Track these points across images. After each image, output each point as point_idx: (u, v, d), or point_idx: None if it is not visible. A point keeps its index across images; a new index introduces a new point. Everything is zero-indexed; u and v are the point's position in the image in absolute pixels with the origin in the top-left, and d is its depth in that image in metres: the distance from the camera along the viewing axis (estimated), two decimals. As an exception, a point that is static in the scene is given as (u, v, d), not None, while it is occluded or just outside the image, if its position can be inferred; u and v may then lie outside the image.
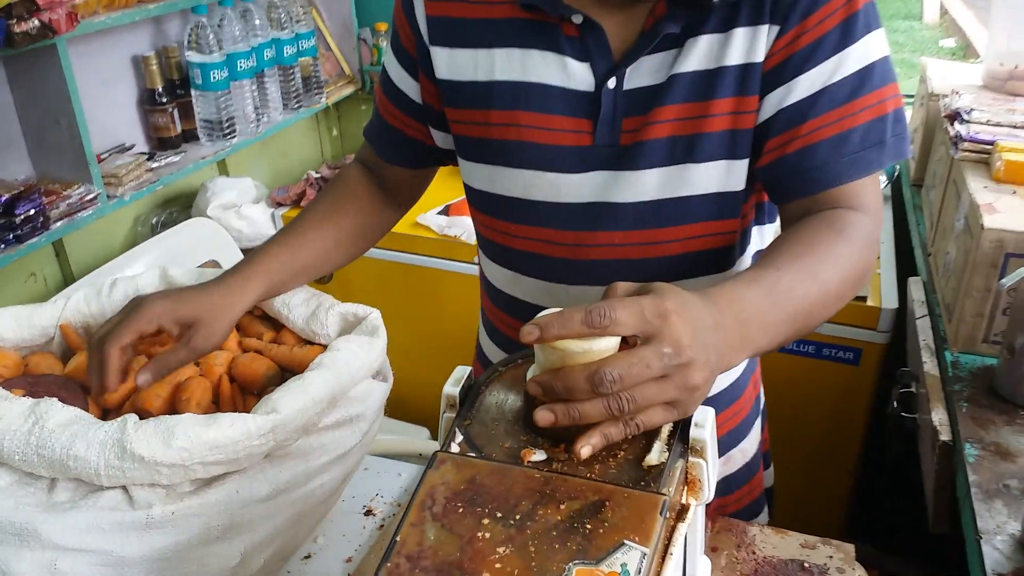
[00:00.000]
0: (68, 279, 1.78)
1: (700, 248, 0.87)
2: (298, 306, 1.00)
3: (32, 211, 1.46)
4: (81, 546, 0.68)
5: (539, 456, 0.55)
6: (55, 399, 0.74)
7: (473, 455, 0.55)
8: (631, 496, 0.51)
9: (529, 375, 0.57)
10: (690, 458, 0.56)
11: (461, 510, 0.50)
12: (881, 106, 0.77)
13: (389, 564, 0.46)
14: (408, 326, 2.03)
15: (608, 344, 0.55)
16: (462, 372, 0.62)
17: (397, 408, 2.00)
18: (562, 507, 0.50)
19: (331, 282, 2.07)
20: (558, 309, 0.55)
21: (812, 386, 1.64)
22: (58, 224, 1.53)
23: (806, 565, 0.91)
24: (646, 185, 0.83)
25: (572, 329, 0.53)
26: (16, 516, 0.68)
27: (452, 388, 0.60)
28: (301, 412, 0.79)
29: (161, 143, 1.92)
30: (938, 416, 1.13)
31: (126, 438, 0.70)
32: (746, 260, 0.92)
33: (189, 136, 1.97)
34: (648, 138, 0.81)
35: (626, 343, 0.57)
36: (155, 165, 1.81)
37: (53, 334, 1.00)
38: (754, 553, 0.93)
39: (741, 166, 0.82)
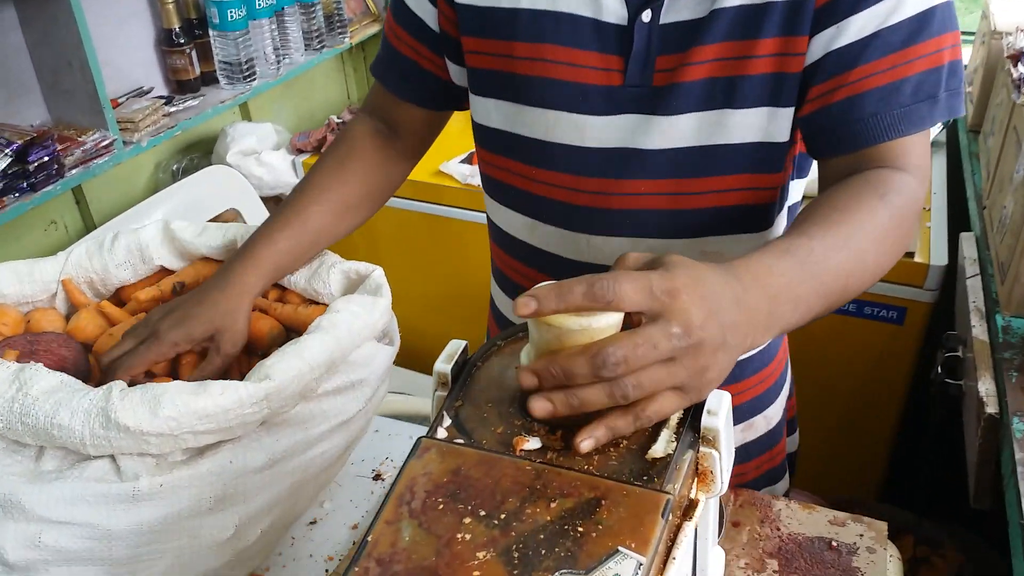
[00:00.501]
0: (89, 227, 1.76)
1: (735, 203, 0.81)
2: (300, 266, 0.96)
3: (45, 158, 1.43)
4: (66, 518, 0.66)
5: (533, 444, 0.50)
6: (40, 364, 0.71)
7: (461, 441, 0.50)
8: (630, 494, 0.45)
9: (523, 356, 0.52)
10: (701, 448, 0.50)
11: (442, 506, 0.45)
12: (938, 56, 0.69)
13: (357, 568, 0.42)
14: (430, 277, 1.99)
15: (610, 321, 0.49)
16: (456, 347, 0.57)
17: (417, 361, 1.97)
18: (553, 505, 0.45)
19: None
20: (554, 282, 0.49)
21: (852, 346, 1.56)
22: (73, 172, 1.50)
23: (834, 544, 0.86)
24: (679, 131, 0.77)
25: (572, 302, 0.47)
26: (3, 486, 0.66)
27: (443, 365, 0.55)
28: (296, 378, 0.75)
29: (180, 86, 1.87)
30: (985, 386, 1.06)
31: (111, 407, 0.67)
32: (783, 218, 0.85)
33: (208, 79, 1.92)
34: (684, 80, 0.75)
35: (629, 323, 0.51)
36: (172, 110, 1.77)
37: (55, 289, 0.97)
38: (778, 529, 0.88)
39: (785, 115, 0.75)
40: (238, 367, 0.92)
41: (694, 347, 0.48)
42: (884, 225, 0.66)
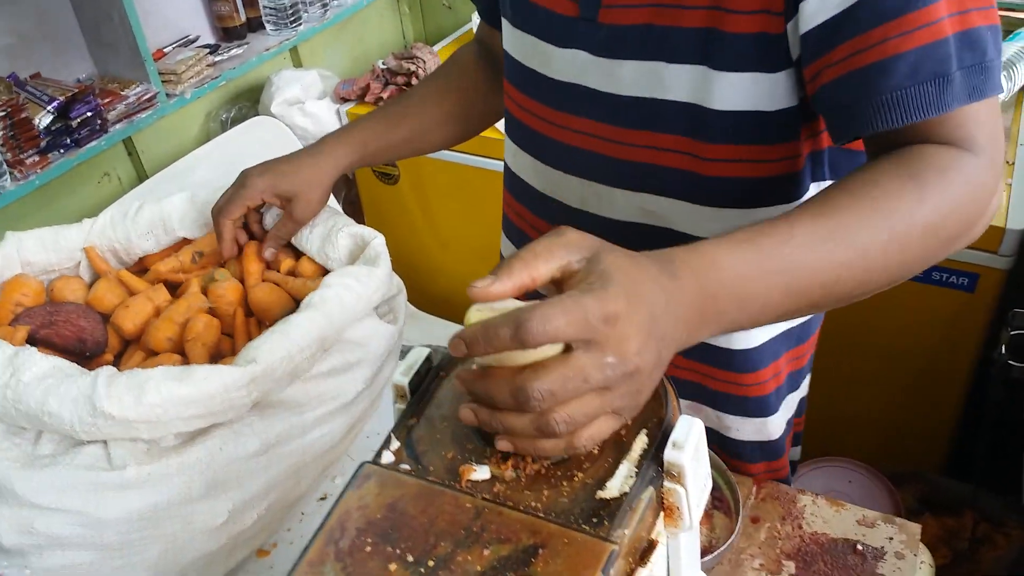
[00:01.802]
0: (142, 176, 1.79)
1: (672, 165, 0.74)
2: (317, 225, 0.94)
3: (88, 114, 1.44)
4: (58, 505, 0.67)
5: (481, 474, 0.46)
6: (34, 349, 0.71)
7: (407, 467, 0.47)
8: (572, 542, 0.42)
9: (474, 364, 0.48)
10: (665, 483, 0.46)
11: (369, 548, 0.42)
12: (942, 25, 0.56)
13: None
14: (479, 229, 1.95)
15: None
16: (417, 356, 0.53)
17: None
18: (486, 552, 0.42)
19: (399, 182, 2.00)
20: (492, 309, 0.45)
21: (918, 313, 1.45)
22: (117, 126, 1.51)
23: (859, 547, 0.81)
24: (620, 78, 0.73)
25: (499, 347, 0.43)
26: (-4, 472, 0.67)
27: (401, 377, 0.52)
28: (284, 360, 0.74)
29: (226, 33, 1.85)
30: (1051, 373, 0.96)
31: (96, 395, 0.67)
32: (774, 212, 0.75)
33: (255, 25, 1.89)
34: (623, 21, 0.70)
35: None
36: (217, 59, 1.75)
37: (79, 258, 0.99)
38: (800, 528, 0.83)
39: (724, 80, 0.67)
40: (248, 338, 0.91)
41: (630, 375, 0.44)
42: (907, 211, 0.55)
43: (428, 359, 0.54)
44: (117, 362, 0.91)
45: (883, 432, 1.65)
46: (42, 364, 0.70)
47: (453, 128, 1.00)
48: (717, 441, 0.92)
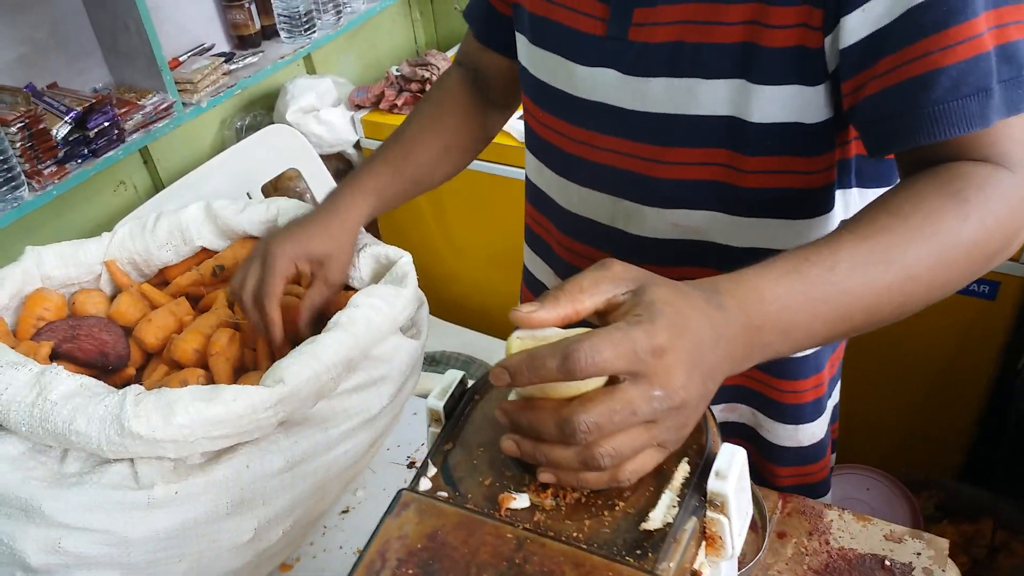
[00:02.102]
0: (158, 185, 1.79)
1: (705, 178, 0.74)
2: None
3: (105, 124, 1.44)
4: (85, 525, 0.67)
5: (520, 503, 0.46)
6: (61, 368, 0.71)
7: (444, 495, 0.47)
8: (617, 575, 0.41)
9: (512, 394, 0.48)
10: (708, 513, 0.45)
11: (411, 580, 0.42)
12: (983, 39, 0.56)
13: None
14: (491, 236, 1.94)
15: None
16: (451, 379, 0.53)
17: (483, 320, 1.95)
18: (531, 585, 0.41)
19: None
20: (534, 337, 0.45)
21: (938, 319, 1.44)
22: (134, 136, 1.52)
23: (887, 563, 0.80)
24: (652, 96, 0.72)
25: (545, 376, 0.42)
26: (22, 491, 0.67)
27: (436, 401, 0.52)
28: (311, 380, 0.73)
29: (241, 41, 1.85)
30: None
31: (124, 415, 0.67)
32: (814, 223, 0.75)
33: (269, 33, 1.90)
34: (653, 40, 0.70)
35: None
36: (233, 67, 1.76)
37: (100, 271, 0.99)
38: (827, 544, 0.82)
39: (762, 93, 0.67)
40: (268, 353, 0.91)
41: (676, 409, 0.44)
42: (951, 230, 0.55)
43: (462, 382, 0.53)
44: (139, 375, 0.92)
45: (901, 438, 1.65)
46: (69, 383, 0.70)
47: (453, 160, 0.98)
48: (751, 438, 0.92)
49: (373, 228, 2.10)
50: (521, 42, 0.85)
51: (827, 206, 0.75)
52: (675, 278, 0.82)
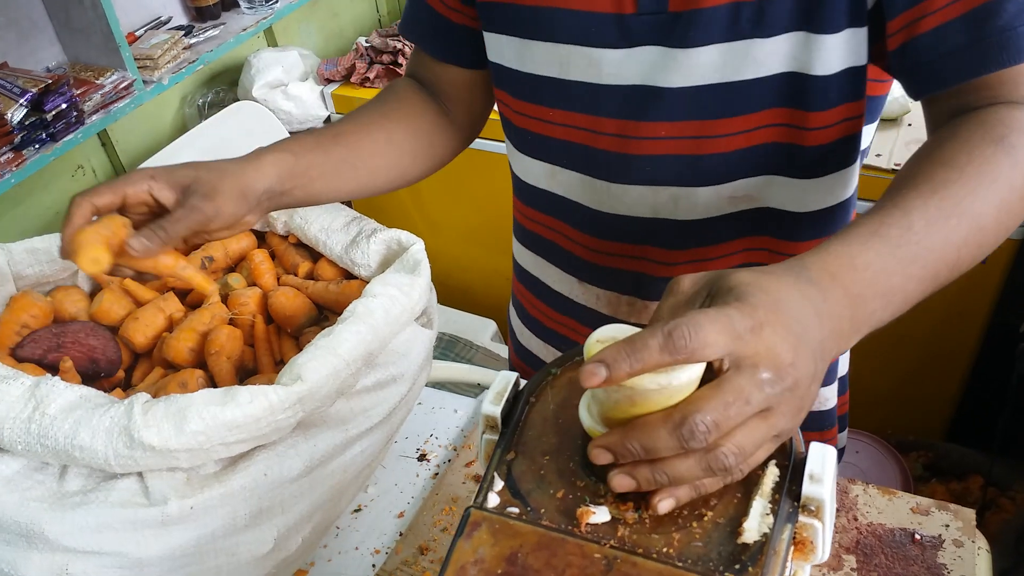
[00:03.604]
0: (118, 169, 1.71)
1: (765, 140, 0.71)
2: (337, 231, 0.88)
3: (63, 105, 1.36)
4: (93, 548, 0.62)
5: (600, 516, 0.43)
6: (56, 378, 0.65)
7: (515, 511, 0.43)
8: (721, 594, 0.38)
9: (584, 410, 0.44)
10: (801, 518, 0.43)
11: (497, 609, 0.39)
12: None
13: None
14: (468, 211, 1.90)
15: (691, 376, 0.41)
16: (505, 381, 0.49)
17: (464, 299, 1.91)
18: (628, 610, 0.38)
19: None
20: (617, 331, 0.41)
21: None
22: (94, 117, 1.43)
23: (917, 537, 0.79)
24: (701, 67, 0.67)
25: (648, 361, 0.39)
26: (21, 515, 0.62)
27: (492, 407, 0.48)
28: (331, 377, 0.69)
29: (199, 14, 1.76)
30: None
31: (133, 425, 0.62)
32: (851, 171, 0.74)
33: (229, 4, 1.80)
34: (704, 4, 0.65)
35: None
36: (193, 41, 1.67)
37: (76, 267, 0.92)
38: (856, 519, 0.81)
39: (824, 43, 0.65)
40: (268, 348, 0.86)
41: (789, 390, 0.41)
42: (1006, 177, 0.55)
43: (516, 384, 0.50)
44: (128, 378, 0.86)
45: (889, 401, 1.66)
46: (67, 395, 0.64)
47: (400, 156, 0.85)
48: None
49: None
50: (500, 42, 0.78)
51: (856, 152, 0.73)
52: (734, 252, 0.80)
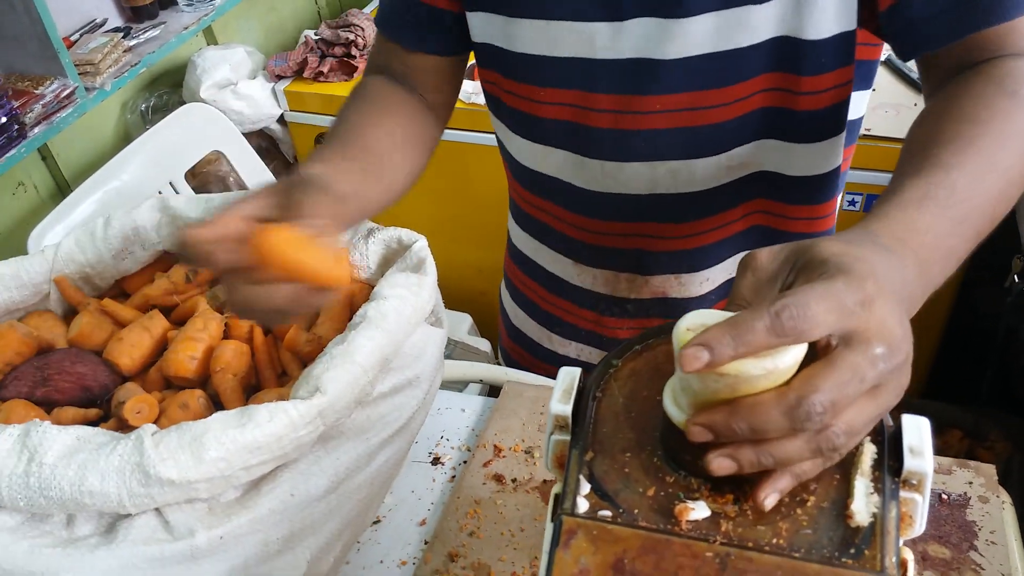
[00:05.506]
0: (61, 184, 1.61)
1: (760, 105, 0.70)
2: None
3: (3, 119, 1.27)
4: (119, 590, 0.57)
5: (700, 512, 0.40)
6: (47, 423, 0.60)
7: (608, 514, 0.41)
8: (846, 582, 0.36)
9: (669, 397, 0.42)
10: (902, 494, 0.41)
11: (615, 623, 0.36)
12: None
13: None
14: (440, 205, 1.86)
15: (796, 357, 0.39)
16: (570, 378, 0.47)
17: (452, 296, 1.87)
18: (755, 609, 0.36)
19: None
20: (708, 316, 0.39)
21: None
22: (36, 130, 1.34)
23: (944, 496, 0.80)
24: (695, 36, 0.67)
25: (756, 344, 0.37)
26: (34, 563, 0.57)
27: (561, 406, 0.45)
28: (351, 386, 0.65)
29: (135, 14, 1.67)
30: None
31: (147, 460, 0.57)
32: (840, 139, 0.74)
33: (166, 2, 1.72)
34: None
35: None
36: (133, 43, 1.58)
37: (47, 290, 0.86)
38: (883, 484, 0.81)
39: (819, 6, 0.64)
40: (268, 359, 0.82)
41: (900, 366, 0.40)
42: (1022, 129, 0.56)
43: (581, 379, 0.47)
44: (111, 403, 0.80)
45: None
46: (62, 438, 0.59)
47: (408, 154, 0.79)
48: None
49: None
50: (485, 22, 0.75)
51: (846, 116, 0.73)
52: (734, 220, 0.79)
